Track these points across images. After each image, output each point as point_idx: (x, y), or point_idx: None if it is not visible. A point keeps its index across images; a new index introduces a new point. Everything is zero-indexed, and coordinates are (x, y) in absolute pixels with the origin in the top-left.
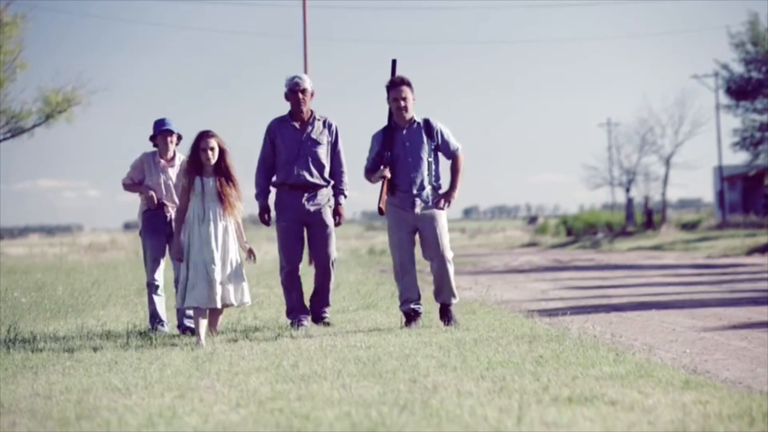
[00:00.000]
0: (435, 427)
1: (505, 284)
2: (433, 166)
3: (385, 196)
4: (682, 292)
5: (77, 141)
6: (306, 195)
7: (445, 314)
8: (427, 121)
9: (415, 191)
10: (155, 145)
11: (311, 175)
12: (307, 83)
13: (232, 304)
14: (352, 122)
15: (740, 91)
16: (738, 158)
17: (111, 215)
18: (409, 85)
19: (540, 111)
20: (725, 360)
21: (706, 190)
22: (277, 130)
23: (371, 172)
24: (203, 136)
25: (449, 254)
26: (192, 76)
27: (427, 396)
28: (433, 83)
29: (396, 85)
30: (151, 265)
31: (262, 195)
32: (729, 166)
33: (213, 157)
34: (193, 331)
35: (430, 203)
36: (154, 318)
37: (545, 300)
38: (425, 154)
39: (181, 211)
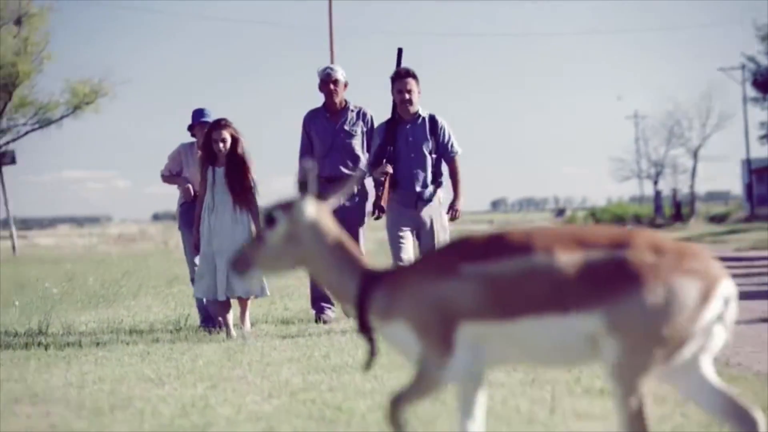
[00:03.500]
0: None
1: None
2: (436, 163)
3: (387, 193)
4: None
5: (105, 131)
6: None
7: None
8: (432, 117)
9: (417, 188)
10: (193, 135)
11: (346, 167)
12: (340, 74)
13: (239, 297)
14: (379, 115)
15: (767, 83)
16: (766, 151)
17: (140, 206)
18: (414, 77)
19: (568, 104)
20: (757, 353)
21: (734, 183)
22: (311, 122)
23: (373, 165)
24: (215, 127)
25: None
26: (218, 66)
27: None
28: (461, 75)
29: (401, 77)
30: (191, 259)
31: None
32: (757, 159)
33: (225, 148)
34: (215, 325)
35: (432, 201)
36: (204, 315)
37: None
38: (428, 151)
39: (200, 202)
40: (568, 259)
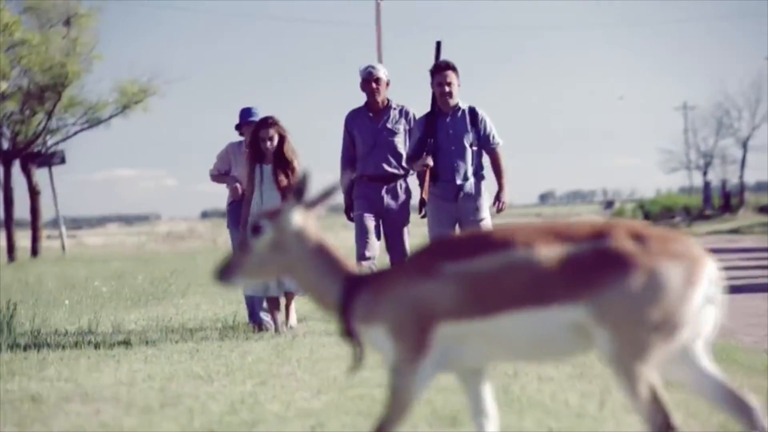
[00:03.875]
0: (517, 412)
1: None
2: (477, 156)
3: (427, 185)
4: (761, 276)
5: (154, 130)
6: (385, 187)
7: None
8: (472, 109)
9: (458, 181)
10: (241, 134)
11: (389, 165)
12: (381, 72)
13: (287, 291)
14: (425, 110)
15: None
16: None
17: (188, 204)
18: (454, 69)
19: (616, 94)
20: None
21: None
22: (353, 122)
23: (412, 159)
24: (262, 125)
25: None
26: (266, 64)
27: (508, 382)
28: (509, 68)
29: (441, 70)
30: None
31: (347, 192)
32: None
33: (272, 146)
34: (261, 322)
35: (473, 194)
36: (253, 316)
37: None
38: (469, 143)
39: (248, 201)
40: (548, 252)
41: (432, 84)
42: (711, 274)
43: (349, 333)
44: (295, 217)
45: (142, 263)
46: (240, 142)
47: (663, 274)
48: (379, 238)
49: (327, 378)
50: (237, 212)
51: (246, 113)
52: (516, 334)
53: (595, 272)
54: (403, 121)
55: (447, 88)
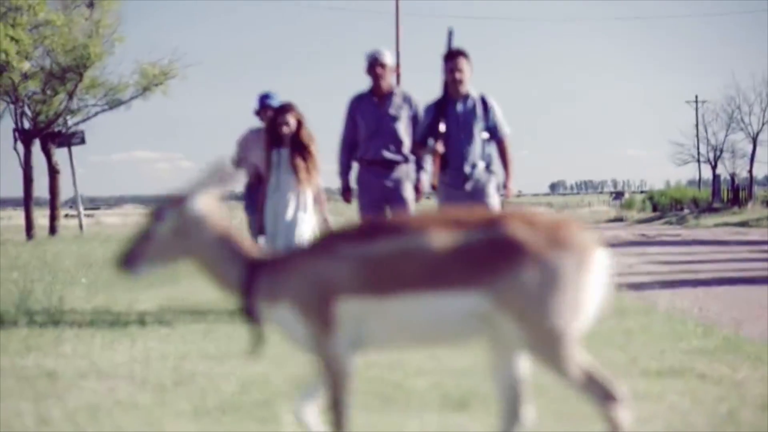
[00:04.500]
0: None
1: None
2: (486, 144)
3: (437, 171)
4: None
5: (173, 113)
6: (385, 172)
7: None
8: (483, 97)
9: (467, 169)
10: (261, 119)
11: (389, 150)
12: (387, 57)
13: None
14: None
15: None
16: None
17: None
18: (466, 56)
19: (628, 87)
20: None
21: None
22: (357, 106)
23: (420, 145)
24: (281, 111)
25: None
26: (283, 48)
27: None
28: (524, 58)
29: (453, 56)
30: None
31: (343, 173)
32: None
33: (289, 131)
34: None
35: (482, 182)
36: None
37: (632, 274)
38: (478, 131)
39: (266, 184)
40: (442, 239)
41: (444, 70)
42: (601, 262)
43: (249, 315)
44: (197, 203)
45: None
46: (258, 129)
47: (559, 263)
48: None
49: None
50: (253, 195)
51: (263, 98)
52: (413, 317)
53: (491, 260)
54: (406, 107)
55: (458, 75)
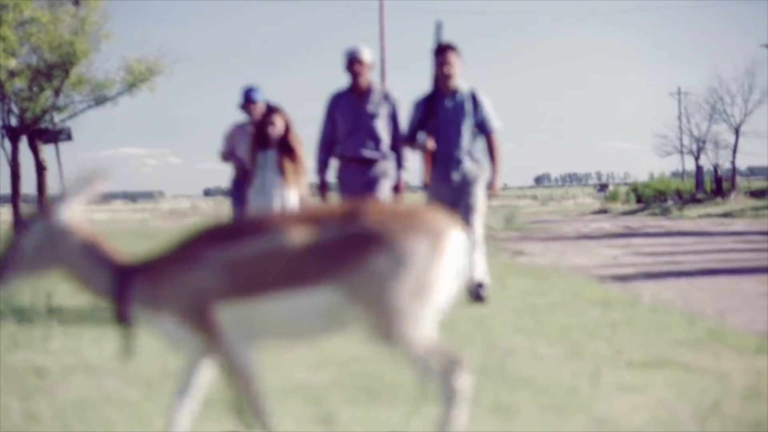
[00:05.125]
0: (510, 390)
1: (576, 250)
2: (475, 140)
3: (429, 168)
4: (752, 259)
5: (160, 109)
6: (364, 169)
7: (477, 295)
8: (473, 92)
9: (455, 164)
10: (245, 113)
11: (367, 148)
12: (365, 54)
13: None
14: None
15: None
16: None
17: (191, 182)
18: (456, 50)
19: (612, 79)
20: None
21: None
22: (336, 104)
23: (411, 139)
24: (269, 112)
25: (479, 230)
26: (270, 44)
27: (503, 359)
28: (506, 52)
29: (442, 51)
30: None
31: (320, 170)
32: None
33: (276, 131)
34: None
35: (469, 176)
36: None
37: (617, 266)
38: (467, 126)
39: (250, 184)
40: (301, 237)
41: (433, 65)
42: (456, 244)
43: (122, 320)
44: (63, 214)
45: (146, 239)
46: (243, 124)
47: (408, 248)
48: None
49: (327, 353)
50: (239, 189)
51: (249, 91)
52: (277, 317)
53: (343, 255)
54: (385, 104)
55: (447, 70)
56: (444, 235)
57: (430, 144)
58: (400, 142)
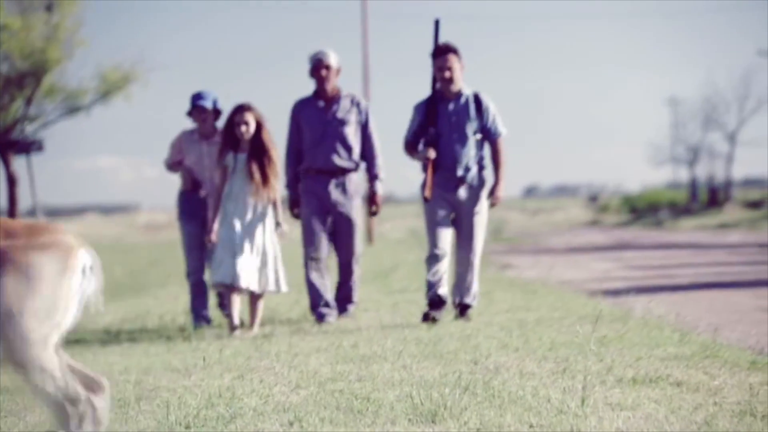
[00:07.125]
0: (497, 408)
1: (566, 264)
2: (480, 145)
3: (430, 181)
4: (747, 272)
5: (136, 118)
6: (334, 181)
7: (462, 314)
8: (477, 96)
9: (460, 172)
10: (193, 120)
11: (339, 157)
12: (332, 59)
13: (254, 291)
14: (412, 101)
15: None
16: None
17: (170, 193)
18: (456, 52)
19: (603, 88)
20: None
21: None
22: (300, 112)
23: (412, 145)
24: (239, 110)
25: (478, 249)
26: (249, 52)
27: (489, 377)
28: (492, 58)
29: (441, 53)
30: (187, 254)
31: (291, 185)
32: None
33: (248, 132)
34: (209, 321)
35: (475, 186)
36: (196, 315)
37: (608, 280)
38: (472, 131)
39: (218, 190)
40: None
41: (433, 68)
42: (84, 263)
43: None
44: None
45: (120, 254)
46: (192, 131)
47: (34, 266)
48: (328, 237)
49: (306, 372)
50: (187, 203)
51: (196, 98)
52: None
53: None
54: (355, 110)
55: (448, 73)
56: (72, 253)
57: (431, 153)
58: (372, 151)
